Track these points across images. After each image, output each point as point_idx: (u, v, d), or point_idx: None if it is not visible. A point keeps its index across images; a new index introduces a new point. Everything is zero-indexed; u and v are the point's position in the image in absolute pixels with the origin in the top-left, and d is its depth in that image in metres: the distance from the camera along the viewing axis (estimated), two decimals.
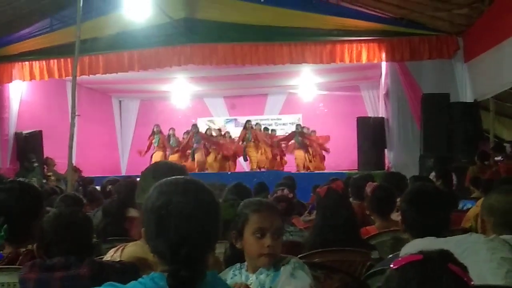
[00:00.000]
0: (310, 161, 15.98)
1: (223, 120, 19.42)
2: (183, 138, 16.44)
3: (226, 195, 4.40)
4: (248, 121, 16.03)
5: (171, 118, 18.22)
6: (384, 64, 13.69)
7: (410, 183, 5.50)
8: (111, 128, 19.19)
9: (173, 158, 15.91)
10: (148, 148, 16.53)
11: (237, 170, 16.01)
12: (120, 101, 19.87)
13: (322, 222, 3.44)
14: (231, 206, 2.50)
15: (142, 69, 13.23)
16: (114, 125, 19.36)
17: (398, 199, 3.58)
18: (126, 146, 19.45)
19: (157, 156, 15.96)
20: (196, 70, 15.00)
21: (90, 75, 13.33)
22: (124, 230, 3.44)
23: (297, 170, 15.53)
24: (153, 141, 16.43)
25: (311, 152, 16.04)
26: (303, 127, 16.75)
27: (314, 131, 16.54)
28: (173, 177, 1.57)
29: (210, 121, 19.16)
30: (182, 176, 1.59)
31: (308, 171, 15.52)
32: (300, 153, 16.11)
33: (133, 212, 3.80)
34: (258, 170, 15.23)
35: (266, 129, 16.61)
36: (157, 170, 2.28)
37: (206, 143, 16.05)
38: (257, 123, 16.40)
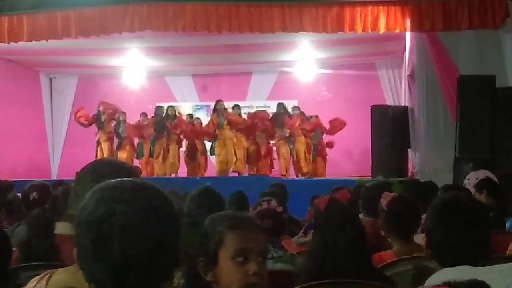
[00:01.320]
0: (302, 162, 15.62)
1: (190, 107, 19.36)
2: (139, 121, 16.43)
3: (189, 207, 4.31)
4: (219, 101, 15.79)
5: (121, 102, 18.06)
6: (408, 35, 13.73)
7: (441, 195, 5.52)
8: (39, 115, 19.03)
9: (122, 154, 15.82)
10: (90, 121, 16.40)
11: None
12: (51, 79, 19.72)
13: (322, 245, 3.45)
14: (193, 225, 2.49)
15: (81, 36, 13.14)
16: (42, 111, 19.20)
17: (424, 216, 3.60)
18: (58, 139, 19.32)
19: (102, 148, 15.94)
20: (156, 39, 14.92)
21: (11, 43, 13.20)
22: (53, 252, 3.43)
23: (281, 175, 15.25)
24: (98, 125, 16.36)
25: (303, 149, 15.70)
26: (295, 107, 16.31)
27: (316, 116, 16.43)
28: (118, 179, 1.56)
29: (173, 107, 19.10)
30: (130, 179, 1.58)
31: (301, 176, 15.44)
32: (285, 149, 15.72)
33: (63, 228, 3.78)
34: (223, 176, 15.09)
35: (236, 107, 16.12)
36: (98, 170, 2.27)
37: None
38: (235, 105, 16.11)
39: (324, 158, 16.21)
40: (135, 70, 18.47)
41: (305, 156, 15.66)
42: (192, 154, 15.88)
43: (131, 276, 1.43)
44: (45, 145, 19.17)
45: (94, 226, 1.47)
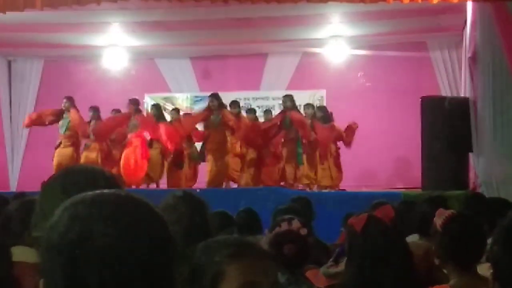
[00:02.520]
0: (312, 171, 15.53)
1: (188, 98, 19.39)
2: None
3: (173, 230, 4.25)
4: (214, 94, 15.63)
5: (99, 94, 18.17)
6: (470, 6, 13.70)
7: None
8: None
9: (91, 158, 15.61)
10: (37, 120, 16.18)
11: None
12: (9, 62, 19.81)
13: (358, 277, 3.45)
14: (181, 256, 2.46)
15: (48, 8, 13.17)
16: None
17: (490, 240, 3.59)
18: (18, 139, 19.38)
19: (63, 155, 15.50)
20: (144, 11, 14.95)
21: None
22: (11, 285, 3.45)
23: (283, 185, 15.24)
24: (60, 126, 15.91)
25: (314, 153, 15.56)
26: (308, 105, 16.09)
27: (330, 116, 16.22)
28: (97, 191, 1.56)
29: (166, 99, 19.11)
30: (112, 191, 1.59)
31: (310, 189, 15.36)
32: (292, 153, 15.57)
33: (22, 254, 3.78)
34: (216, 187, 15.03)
35: (250, 111, 16.17)
36: (70, 179, 2.27)
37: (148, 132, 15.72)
38: (233, 102, 15.89)
39: (338, 166, 16.02)
40: (118, 51, 18.52)
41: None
42: (178, 161, 15.73)
43: None
44: (1, 147, 19.27)
45: (66, 251, 1.46)
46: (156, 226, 1.53)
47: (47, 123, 16.19)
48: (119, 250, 1.46)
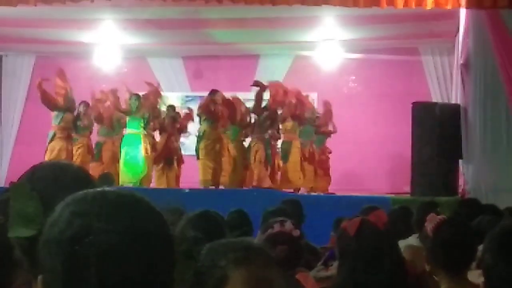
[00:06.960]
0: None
1: (179, 98, 19.36)
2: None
3: (184, 231, 4.28)
4: (214, 91, 15.48)
5: (90, 90, 18.12)
6: (463, 13, 13.71)
7: (503, 221, 5.52)
8: None
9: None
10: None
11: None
12: (1, 57, 19.72)
13: (350, 281, 3.44)
14: (186, 256, 2.40)
15: (41, 3, 13.15)
16: None
17: (481, 247, 3.59)
18: (8, 134, 19.33)
19: (54, 149, 15.16)
20: (136, 8, 14.92)
21: None
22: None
23: (258, 185, 14.80)
24: (54, 116, 15.42)
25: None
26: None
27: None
28: (98, 189, 1.55)
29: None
30: (114, 189, 1.58)
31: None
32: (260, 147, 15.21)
33: None
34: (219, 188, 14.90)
35: None
36: (38, 175, 2.22)
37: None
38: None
39: (326, 170, 16.08)
40: (110, 48, 18.47)
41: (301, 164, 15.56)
42: (169, 159, 15.51)
43: None
44: None
45: (66, 247, 1.46)
46: (156, 225, 1.53)
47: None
48: (119, 247, 1.45)
